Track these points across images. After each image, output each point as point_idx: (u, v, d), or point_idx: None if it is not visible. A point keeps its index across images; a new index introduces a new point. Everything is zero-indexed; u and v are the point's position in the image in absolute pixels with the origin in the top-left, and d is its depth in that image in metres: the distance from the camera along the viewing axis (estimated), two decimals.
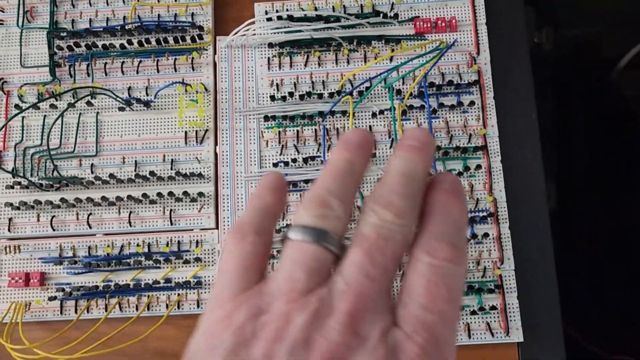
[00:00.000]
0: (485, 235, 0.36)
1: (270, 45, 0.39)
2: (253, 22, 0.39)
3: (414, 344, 0.15)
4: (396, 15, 0.39)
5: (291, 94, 0.38)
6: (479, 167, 0.37)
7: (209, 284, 0.36)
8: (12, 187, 0.38)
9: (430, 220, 0.17)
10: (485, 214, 0.36)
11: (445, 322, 0.15)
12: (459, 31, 0.39)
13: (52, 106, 0.39)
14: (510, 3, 0.40)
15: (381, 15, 0.39)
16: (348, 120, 0.38)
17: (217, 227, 0.37)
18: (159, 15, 0.40)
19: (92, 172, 0.38)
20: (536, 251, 0.35)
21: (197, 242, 0.37)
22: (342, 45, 0.39)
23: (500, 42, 0.39)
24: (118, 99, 0.38)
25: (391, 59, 0.39)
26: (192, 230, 0.37)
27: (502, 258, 0.35)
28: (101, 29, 0.40)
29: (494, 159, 0.37)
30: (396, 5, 0.39)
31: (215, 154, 0.38)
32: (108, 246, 0.37)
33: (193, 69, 0.40)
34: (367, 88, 0.38)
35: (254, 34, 0.39)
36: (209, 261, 0.37)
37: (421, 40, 0.39)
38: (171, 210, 0.37)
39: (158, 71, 0.40)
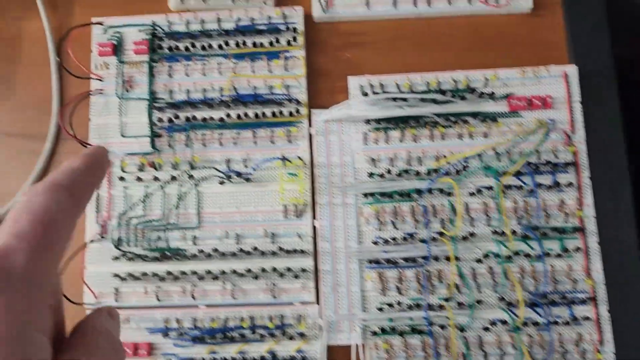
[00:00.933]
0: (585, 318, 0.37)
1: (367, 120, 0.41)
2: (348, 98, 0.41)
3: None
4: (492, 94, 0.40)
5: (389, 171, 0.40)
6: (577, 248, 0.38)
7: (313, 359, 0.38)
8: (117, 259, 0.40)
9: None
10: (583, 296, 0.38)
11: (33, 252, 0.16)
12: (554, 109, 0.40)
13: (155, 178, 0.41)
14: (605, 81, 0.41)
15: (476, 93, 0.40)
16: (446, 197, 0.39)
17: (317, 302, 0.39)
18: (254, 87, 0.42)
19: (194, 244, 0.40)
20: (637, 335, 0.37)
21: (298, 316, 0.39)
22: (438, 123, 0.40)
23: (595, 120, 0.40)
24: (219, 173, 0.40)
25: (485, 136, 0.40)
26: (293, 304, 0.39)
27: (602, 340, 0.37)
28: (199, 101, 0.42)
29: (590, 239, 0.39)
30: (490, 82, 0.41)
31: (314, 228, 0.40)
32: (212, 319, 0.39)
33: (290, 142, 0.41)
34: (464, 167, 0.40)
35: (349, 110, 0.40)
36: (311, 335, 0.39)
37: (516, 117, 0.40)
38: (273, 284, 0.39)
39: (256, 143, 0.41)
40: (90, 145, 0.41)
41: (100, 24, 0.43)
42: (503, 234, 0.39)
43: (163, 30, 0.42)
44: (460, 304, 0.38)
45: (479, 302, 0.38)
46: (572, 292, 0.38)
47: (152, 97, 0.42)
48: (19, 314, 0.15)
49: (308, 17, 0.43)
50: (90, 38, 0.43)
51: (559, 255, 0.38)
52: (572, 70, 0.40)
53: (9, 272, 0.15)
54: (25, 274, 0.15)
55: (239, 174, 0.40)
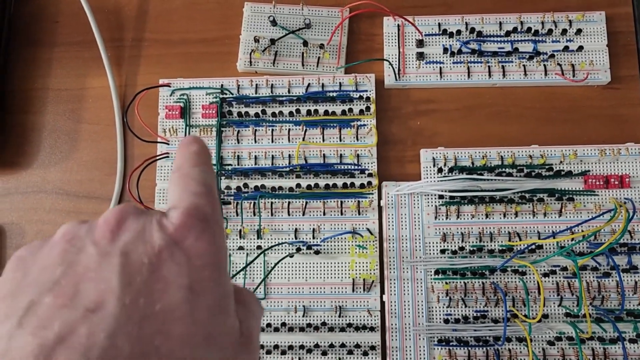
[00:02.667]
0: None
1: (439, 195, 0.41)
2: (420, 169, 0.42)
3: (178, 212, 0.18)
4: (569, 173, 0.41)
5: (461, 248, 0.41)
6: None
7: None
8: None
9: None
10: None
11: (210, 203, 0.19)
12: (632, 187, 0.41)
13: None
14: None
15: (552, 169, 0.41)
16: (519, 277, 0.40)
17: None
18: (324, 155, 0.43)
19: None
20: None
21: None
22: (512, 200, 0.41)
23: None
24: (288, 244, 0.41)
25: (560, 214, 0.41)
26: None
27: None
28: (268, 169, 0.43)
29: None
30: (566, 158, 0.41)
31: (383, 303, 0.41)
32: None
33: (359, 213, 0.42)
34: (537, 246, 0.40)
35: (422, 186, 0.41)
36: None
37: (592, 195, 0.41)
38: (340, 358, 0.40)
39: (324, 214, 0.42)
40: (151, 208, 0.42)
41: (168, 85, 0.44)
42: (576, 315, 0.40)
43: (232, 94, 0.43)
44: None
45: None
46: None
47: (220, 163, 0.43)
48: (222, 247, 0.19)
49: (379, 83, 0.44)
50: (157, 99, 0.44)
51: (633, 340, 0.39)
52: None
53: (206, 216, 0.19)
54: (215, 219, 0.19)
55: (308, 246, 0.41)
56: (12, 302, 0.16)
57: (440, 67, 0.44)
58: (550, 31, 0.43)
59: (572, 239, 0.40)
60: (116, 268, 0.16)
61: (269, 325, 0.41)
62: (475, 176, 0.41)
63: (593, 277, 0.40)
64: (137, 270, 0.16)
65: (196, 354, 0.17)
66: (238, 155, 0.43)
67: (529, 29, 0.43)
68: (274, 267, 0.41)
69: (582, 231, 0.41)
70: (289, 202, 0.42)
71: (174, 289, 0.16)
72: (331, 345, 0.40)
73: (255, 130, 0.43)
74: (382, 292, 0.41)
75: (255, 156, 0.43)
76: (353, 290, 0.41)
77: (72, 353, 0.14)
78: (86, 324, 0.15)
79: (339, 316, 0.41)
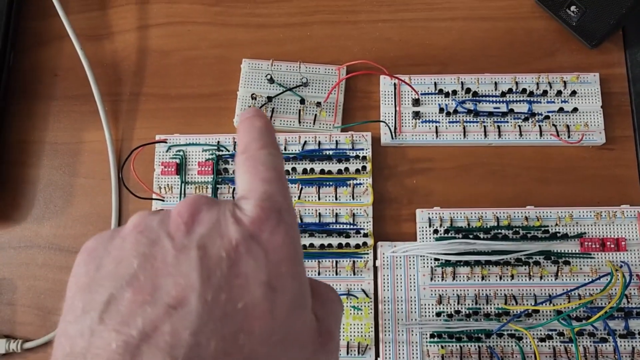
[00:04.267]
0: None
1: (435, 257, 0.43)
2: (415, 229, 0.43)
3: (252, 204, 0.18)
4: (565, 236, 0.42)
5: (457, 311, 0.42)
6: None
7: None
8: None
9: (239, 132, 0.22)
10: None
11: (281, 190, 0.19)
12: (628, 250, 0.42)
13: None
14: None
15: (547, 232, 0.42)
16: (515, 342, 0.41)
17: None
18: (319, 214, 0.44)
19: None
20: None
21: None
22: (509, 262, 0.42)
23: None
24: None
25: (556, 277, 0.42)
26: None
27: None
28: None
29: None
30: (562, 220, 0.43)
31: None
32: None
33: (354, 273, 0.43)
34: (534, 310, 0.41)
35: (417, 248, 0.42)
36: None
37: (588, 257, 0.42)
38: None
39: (319, 274, 0.43)
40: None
41: (164, 141, 0.45)
42: None
43: (228, 150, 0.45)
44: None
45: None
46: None
47: None
48: (297, 239, 0.19)
49: (375, 141, 0.45)
50: (153, 154, 0.45)
51: None
52: None
53: (280, 207, 0.18)
54: (288, 208, 0.19)
55: None
56: (89, 296, 0.16)
57: (436, 126, 0.45)
58: (545, 92, 0.45)
59: (569, 306, 0.41)
60: (194, 262, 0.16)
61: None
62: (470, 239, 0.42)
63: (590, 342, 0.41)
64: (216, 265, 0.16)
65: (276, 353, 0.16)
66: None
67: (524, 90, 0.45)
68: None
69: (579, 296, 0.42)
70: None
71: (253, 285, 0.16)
72: None
73: None
74: (377, 355, 0.42)
75: None
76: (347, 353, 0.42)
77: (157, 351, 0.14)
78: (169, 321, 0.15)
79: None
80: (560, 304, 0.41)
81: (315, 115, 0.46)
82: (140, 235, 0.17)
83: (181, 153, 0.45)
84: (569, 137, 0.44)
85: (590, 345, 0.41)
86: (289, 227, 0.18)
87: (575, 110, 0.45)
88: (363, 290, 0.43)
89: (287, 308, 0.17)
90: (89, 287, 0.16)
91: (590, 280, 0.41)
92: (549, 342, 0.41)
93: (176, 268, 0.16)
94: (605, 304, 0.41)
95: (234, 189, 0.44)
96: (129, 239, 0.17)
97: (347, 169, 0.44)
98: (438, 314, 0.42)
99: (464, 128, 0.45)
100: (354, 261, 0.43)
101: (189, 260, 0.16)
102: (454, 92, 0.46)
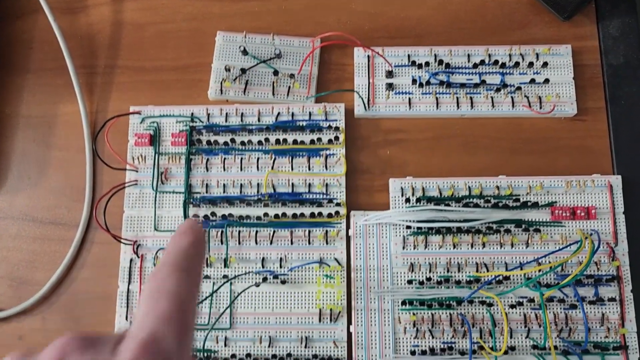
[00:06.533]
0: None
1: (407, 225, 0.45)
2: (388, 198, 0.45)
3: (132, 346, 0.17)
4: (536, 204, 0.44)
5: (428, 279, 0.44)
6: None
7: None
8: None
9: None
10: None
11: (177, 331, 0.18)
12: (598, 219, 0.44)
13: None
14: None
15: (519, 201, 0.44)
16: (486, 309, 0.43)
17: None
18: (292, 184, 0.46)
19: (225, 345, 0.44)
20: None
21: None
22: (480, 231, 0.44)
23: (638, 233, 0.44)
24: (254, 274, 0.44)
25: (527, 245, 0.44)
26: None
27: None
28: (236, 198, 0.46)
29: (632, 357, 0.42)
30: (534, 190, 0.45)
31: (349, 334, 0.44)
32: None
33: (327, 243, 0.45)
34: (505, 277, 0.43)
35: (390, 216, 0.44)
36: None
37: (558, 226, 0.44)
38: None
39: (292, 243, 0.45)
40: (122, 240, 0.45)
41: (138, 113, 0.47)
42: (543, 348, 0.42)
43: (202, 122, 0.47)
44: None
45: None
46: None
47: (188, 192, 0.46)
48: None
49: (349, 112, 0.47)
50: (128, 126, 0.47)
51: None
52: (617, 180, 0.44)
53: (165, 351, 0.17)
54: (179, 354, 0.18)
55: (274, 275, 0.44)
56: None
57: (410, 98, 0.47)
58: (517, 64, 0.47)
59: (539, 271, 0.43)
60: None
61: (233, 356, 0.43)
62: (442, 207, 0.44)
63: (560, 308, 0.43)
64: None
65: None
66: (207, 184, 0.46)
67: (497, 62, 0.47)
68: (239, 295, 0.44)
69: (549, 263, 0.44)
70: (256, 231, 0.45)
71: None
72: None
73: (224, 158, 0.46)
74: (349, 322, 0.44)
75: (224, 184, 0.46)
76: (320, 321, 0.44)
77: None
78: None
79: (305, 347, 0.43)
80: (533, 277, 0.44)
81: (289, 87, 0.48)
82: None
83: (155, 124, 0.47)
84: (540, 108, 0.47)
85: (560, 312, 0.43)
86: None
87: (547, 81, 0.47)
88: (336, 259, 0.45)
89: None
90: None
91: (560, 247, 0.44)
92: (519, 308, 0.43)
93: None
94: (576, 277, 0.43)
95: (207, 161, 0.46)
96: None
97: (319, 139, 0.46)
98: (410, 282, 0.44)
99: (437, 99, 0.47)
100: (326, 230, 0.45)
101: None
102: (427, 64, 0.48)
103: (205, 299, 0.44)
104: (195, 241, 0.23)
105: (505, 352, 0.42)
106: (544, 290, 0.42)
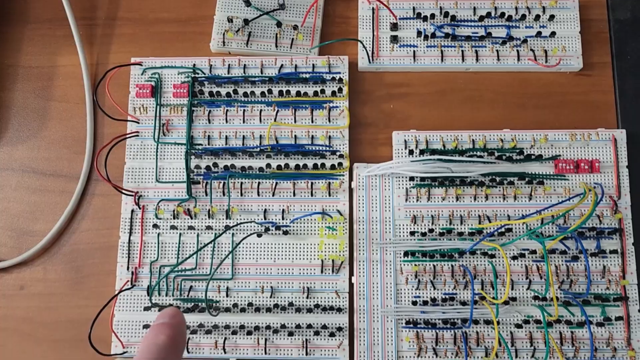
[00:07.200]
0: None
1: (410, 177, 0.45)
2: (392, 152, 0.45)
3: None
4: (540, 157, 0.45)
5: (431, 230, 0.44)
6: (619, 317, 0.42)
7: None
8: (149, 309, 0.44)
9: None
10: None
11: None
12: (601, 172, 0.45)
13: (190, 227, 0.45)
14: None
15: (523, 154, 0.45)
16: (488, 259, 0.44)
17: (351, 359, 0.43)
18: (295, 136, 0.46)
19: (227, 296, 0.44)
20: None
21: None
22: (483, 183, 0.44)
23: None
24: (256, 225, 0.44)
25: (530, 197, 0.45)
26: None
27: None
28: (238, 149, 0.46)
29: (633, 309, 0.43)
30: (538, 143, 0.45)
31: (351, 285, 0.44)
32: None
33: (330, 195, 0.45)
34: (507, 229, 0.44)
35: (392, 167, 0.45)
36: None
37: (562, 179, 0.45)
38: (307, 340, 0.43)
39: (295, 195, 0.45)
40: (124, 191, 0.45)
41: (140, 64, 0.47)
42: (544, 298, 0.43)
43: (204, 73, 0.47)
44: None
45: None
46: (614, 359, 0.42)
47: (190, 143, 0.46)
48: None
49: (353, 66, 0.47)
50: (129, 78, 0.47)
51: (600, 324, 0.42)
52: (621, 134, 0.45)
53: None
54: None
55: (276, 226, 0.45)
56: None
57: (414, 51, 0.47)
58: (523, 17, 0.47)
59: (542, 221, 0.44)
60: None
61: (235, 305, 0.44)
62: (445, 157, 0.44)
63: (562, 260, 0.44)
64: None
65: None
66: (209, 135, 0.46)
67: (503, 14, 0.47)
68: (240, 242, 0.44)
69: (552, 217, 0.44)
70: (258, 183, 0.45)
71: None
72: (298, 326, 0.43)
73: (227, 110, 0.47)
74: (351, 273, 0.44)
75: (226, 136, 0.46)
76: (322, 272, 0.44)
77: None
78: None
79: (307, 297, 0.44)
80: (535, 227, 0.44)
81: (292, 39, 0.48)
82: None
83: (156, 76, 0.47)
84: (546, 61, 0.47)
85: (562, 264, 0.43)
86: None
87: (553, 34, 0.47)
88: (338, 211, 0.45)
89: None
90: None
91: (563, 199, 0.44)
92: (521, 260, 0.44)
93: None
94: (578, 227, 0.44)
95: (209, 113, 0.47)
96: None
97: (323, 91, 0.46)
98: (412, 234, 0.44)
99: (442, 52, 0.47)
100: (329, 182, 0.45)
101: None
102: (432, 17, 0.48)
103: (202, 248, 0.44)
104: (173, 336, 0.23)
105: (507, 303, 0.43)
106: (547, 239, 0.43)
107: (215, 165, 0.46)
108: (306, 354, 0.43)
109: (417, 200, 0.45)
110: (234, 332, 0.43)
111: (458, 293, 0.43)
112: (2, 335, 0.45)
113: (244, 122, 0.46)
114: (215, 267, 0.44)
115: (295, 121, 0.46)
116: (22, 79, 0.49)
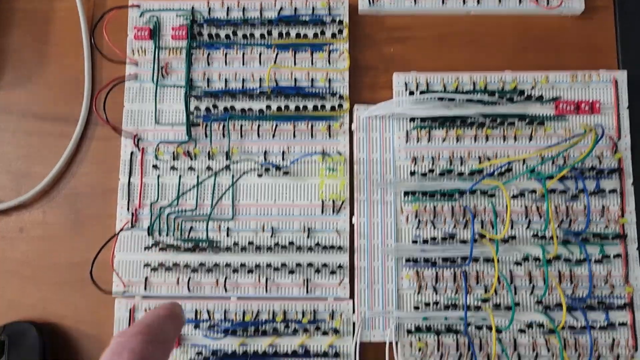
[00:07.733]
0: (621, 323, 0.42)
1: (410, 118, 0.45)
2: (391, 94, 0.46)
3: None
4: (540, 98, 0.45)
5: (431, 171, 0.45)
6: (617, 255, 0.43)
7: (346, 355, 0.43)
8: (149, 248, 0.45)
9: None
10: (621, 302, 0.42)
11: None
12: (601, 114, 0.45)
13: (190, 168, 0.46)
14: None
15: (523, 95, 0.45)
16: (488, 199, 0.44)
17: (351, 297, 0.44)
18: (295, 79, 0.47)
19: (227, 235, 0.45)
20: None
21: (332, 311, 0.43)
22: (483, 124, 0.45)
23: None
24: (257, 165, 0.45)
25: (530, 138, 0.45)
26: (327, 299, 0.44)
27: (637, 346, 0.42)
28: (238, 91, 0.46)
29: (631, 247, 0.44)
30: (539, 84, 0.46)
31: (352, 225, 0.45)
32: (244, 312, 0.43)
33: (330, 136, 0.46)
34: (508, 169, 0.44)
35: (392, 106, 0.45)
36: (344, 332, 0.43)
37: (562, 120, 0.45)
38: (307, 279, 0.44)
39: (295, 137, 0.46)
40: (123, 131, 0.45)
41: (137, 6, 0.47)
42: (543, 237, 0.44)
43: (203, 16, 0.47)
44: (497, 306, 0.43)
45: (516, 304, 0.43)
46: (610, 297, 0.43)
47: (190, 85, 0.46)
48: None
49: (353, 9, 0.47)
50: (127, 21, 0.47)
51: (598, 261, 0.43)
52: (622, 76, 0.45)
53: None
54: None
55: (277, 167, 0.45)
56: None
57: None
58: None
59: (542, 158, 0.44)
60: None
61: (235, 244, 0.44)
62: (446, 95, 0.45)
63: (561, 200, 0.44)
64: None
65: None
66: (208, 78, 0.46)
67: None
68: (238, 179, 0.45)
69: (553, 159, 0.45)
70: (258, 124, 0.46)
71: None
72: (298, 265, 0.44)
73: (226, 52, 0.47)
74: (352, 214, 0.45)
75: (226, 79, 0.46)
76: (322, 212, 0.45)
77: None
78: None
79: (308, 237, 0.44)
80: (534, 165, 0.45)
81: None
82: None
83: (155, 18, 0.47)
84: (547, 3, 0.47)
85: (562, 204, 0.44)
86: None
87: None
88: (338, 152, 0.45)
89: None
90: None
91: (563, 140, 0.45)
92: (521, 199, 0.44)
93: None
94: (577, 166, 0.44)
95: (208, 55, 0.47)
96: None
97: (323, 33, 0.46)
98: (412, 174, 0.45)
99: None
100: (329, 124, 0.46)
101: None
102: None
103: (199, 184, 0.45)
104: (174, 316, 0.25)
105: (506, 241, 0.44)
106: (547, 174, 0.43)
107: (215, 106, 0.46)
108: (307, 292, 0.44)
109: (418, 141, 0.45)
110: (235, 271, 0.44)
111: (458, 232, 0.44)
112: (2, 278, 0.45)
113: (243, 64, 0.46)
114: (217, 207, 0.44)
115: (295, 63, 0.46)
116: (18, 22, 0.49)
